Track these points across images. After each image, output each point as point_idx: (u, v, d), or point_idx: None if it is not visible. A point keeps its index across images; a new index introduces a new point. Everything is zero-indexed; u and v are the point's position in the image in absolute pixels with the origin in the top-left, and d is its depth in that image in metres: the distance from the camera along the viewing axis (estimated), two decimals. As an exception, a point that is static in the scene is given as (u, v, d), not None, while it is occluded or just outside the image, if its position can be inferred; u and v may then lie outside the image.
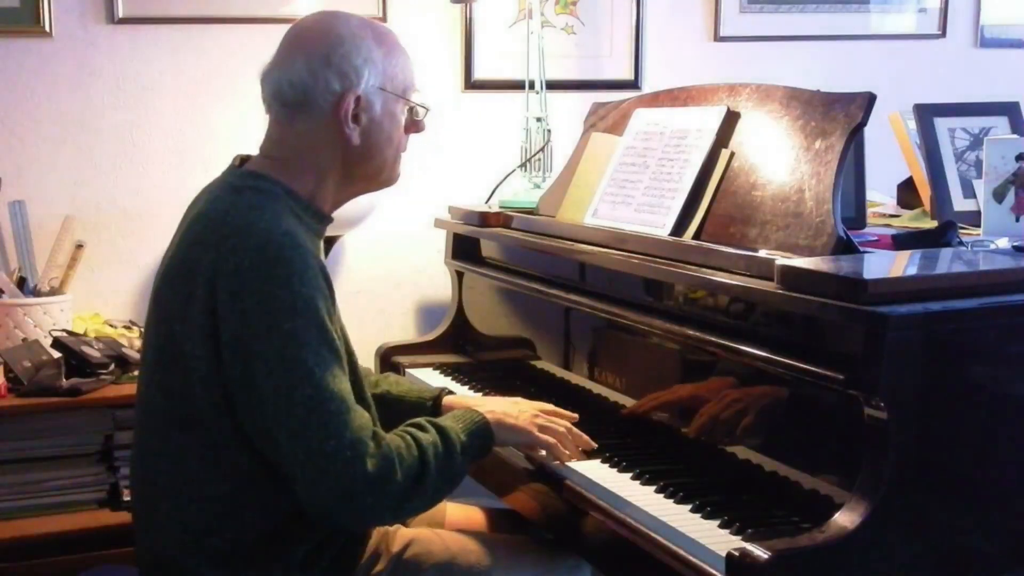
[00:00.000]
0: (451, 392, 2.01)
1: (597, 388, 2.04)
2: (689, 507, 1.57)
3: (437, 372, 2.43)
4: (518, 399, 1.89)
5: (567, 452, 1.79)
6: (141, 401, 1.70)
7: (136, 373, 2.38)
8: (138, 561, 1.73)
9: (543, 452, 1.80)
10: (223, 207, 1.61)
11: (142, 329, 2.54)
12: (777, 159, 1.79)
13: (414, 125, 1.78)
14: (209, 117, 2.72)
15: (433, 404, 1.95)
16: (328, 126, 1.67)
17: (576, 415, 1.87)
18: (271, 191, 1.64)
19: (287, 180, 1.66)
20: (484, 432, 1.72)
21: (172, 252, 1.66)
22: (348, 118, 1.66)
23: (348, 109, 1.66)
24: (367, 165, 1.73)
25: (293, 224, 1.61)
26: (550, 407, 1.87)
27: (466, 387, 2.28)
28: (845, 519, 1.36)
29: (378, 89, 1.69)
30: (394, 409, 1.86)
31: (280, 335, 1.51)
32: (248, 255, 1.53)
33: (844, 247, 1.62)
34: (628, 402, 1.93)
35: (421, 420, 1.69)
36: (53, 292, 2.49)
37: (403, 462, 1.56)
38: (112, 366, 2.38)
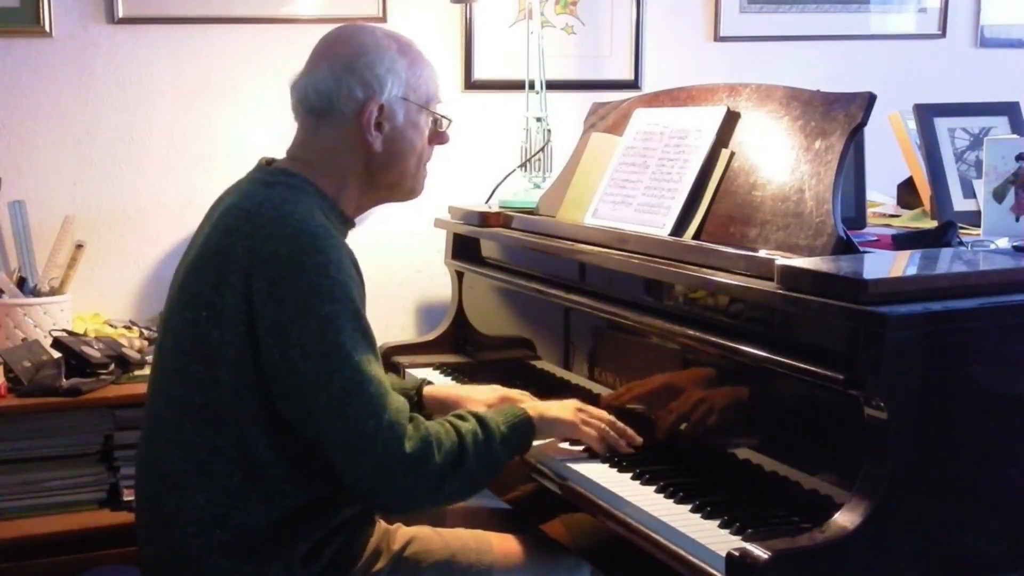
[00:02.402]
0: (431, 383, 2.06)
1: (597, 388, 2.03)
2: (689, 507, 1.57)
3: (437, 372, 2.43)
4: (508, 390, 1.93)
5: (608, 446, 1.79)
6: (154, 390, 1.72)
7: (136, 373, 2.40)
8: (140, 557, 1.74)
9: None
10: (257, 199, 1.64)
11: (143, 327, 2.57)
12: (777, 159, 1.79)
13: (438, 136, 1.82)
14: (209, 117, 2.72)
15: (417, 395, 2.00)
16: (351, 133, 1.71)
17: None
18: (302, 187, 1.68)
19: (314, 180, 1.71)
20: (525, 425, 1.74)
21: (201, 242, 1.68)
22: (371, 125, 1.70)
23: (371, 116, 1.70)
24: (389, 173, 1.76)
25: (322, 218, 1.65)
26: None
27: (466, 387, 2.28)
28: (845, 519, 1.36)
29: (401, 99, 1.72)
30: None
31: (318, 320, 1.55)
32: (285, 244, 1.57)
33: (844, 247, 1.62)
34: (629, 403, 1.93)
35: (461, 411, 1.73)
36: (53, 292, 2.49)
37: (442, 446, 1.60)
38: (112, 366, 2.38)
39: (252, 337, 1.57)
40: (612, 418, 1.84)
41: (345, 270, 1.59)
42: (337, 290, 1.57)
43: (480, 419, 1.69)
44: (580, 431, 1.80)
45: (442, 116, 1.81)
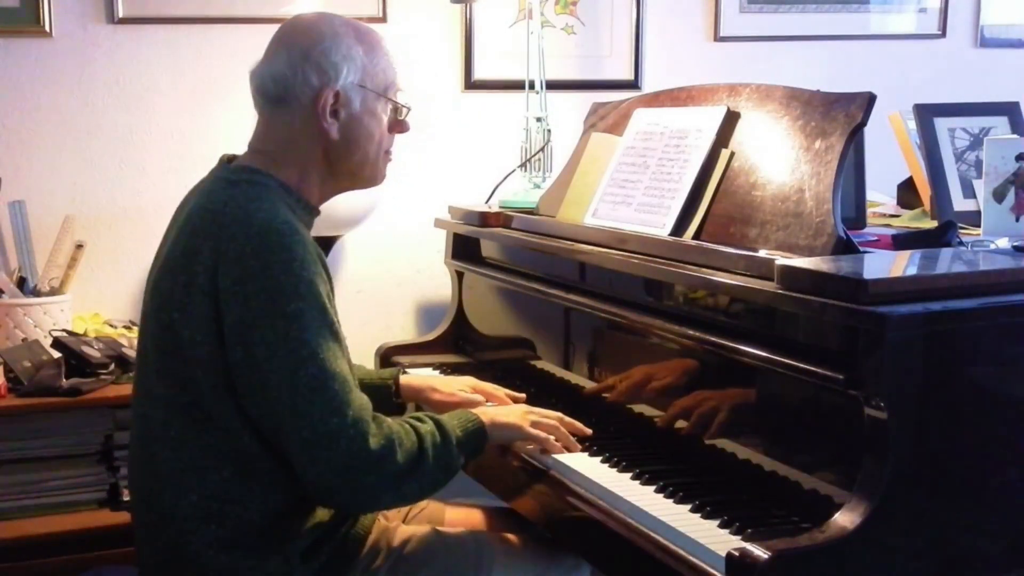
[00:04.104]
0: (407, 372, 2.11)
1: (597, 388, 2.03)
2: (689, 507, 1.57)
3: (437, 372, 2.43)
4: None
5: (559, 445, 1.83)
6: (140, 391, 1.72)
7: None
8: (138, 556, 1.74)
9: (533, 446, 1.85)
10: (221, 199, 1.64)
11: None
12: (777, 159, 1.79)
13: (398, 124, 1.81)
14: (209, 117, 2.72)
15: (394, 384, 2.04)
16: (308, 120, 1.71)
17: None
18: (265, 183, 1.68)
19: (275, 172, 1.70)
20: (479, 431, 1.75)
21: (170, 245, 1.68)
22: (326, 113, 1.69)
23: (326, 104, 1.69)
24: (348, 160, 1.75)
25: (288, 214, 1.64)
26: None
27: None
28: (845, 519, 1.36)
29: (357, 86, 1.72)
30: None
31: (284, 317, 1.55)
32: (250, 242, 1.57)
33: (844, 247, 1.62)
34: (629, 403, 1.93)
35: (419, 413, 1.74)
36: (53, 292, 2.49)
37: (402, 444, 1.60)
38: (112, 366, 2.38)
39: (220, 336, 1.57)
40: (561, 415, 1.87)
41: (310, 266, 1.59)
42: (302, 287, 1.57)
43: (437, 422, 1.70)
44: (528, 433, 1.82)
45: (401, 104, 1.80)
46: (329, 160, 1.74)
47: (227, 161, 1.77)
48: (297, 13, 1.82)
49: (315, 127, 1.70)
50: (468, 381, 2.08)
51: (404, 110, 1.81)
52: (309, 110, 1.69)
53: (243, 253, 1.56)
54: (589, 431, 1.86)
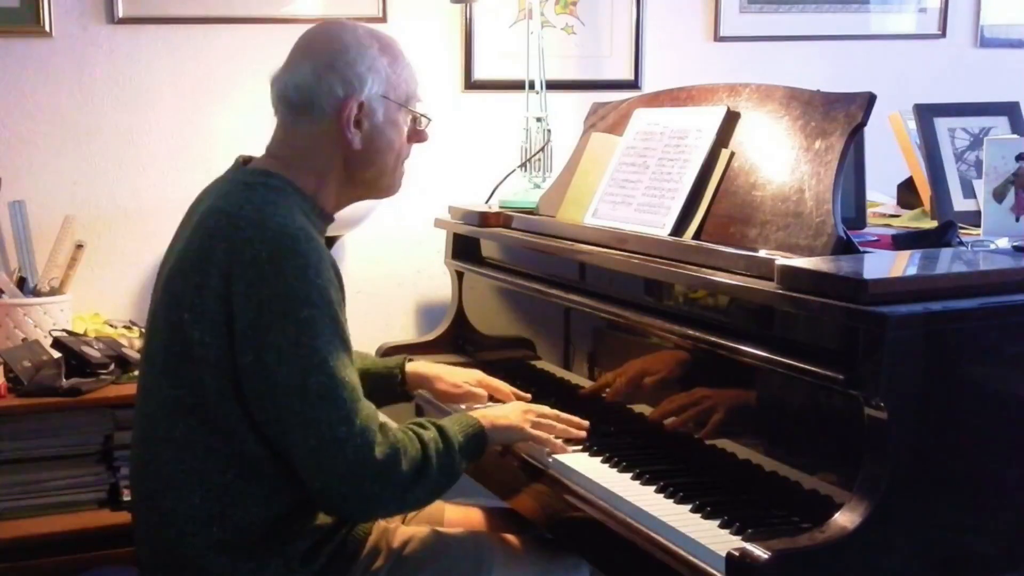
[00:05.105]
0: (412, 359, 2.13)
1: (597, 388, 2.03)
2: (689, 507, 1.57)
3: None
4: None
5: (560, 444, 1.85)
6: (145, 391, 1.72)
7: (136, 373, 2.39)
8: (138, 556, 1.75)
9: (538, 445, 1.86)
10: (237, 201, 1.64)
11: (143, 327, 2.56)
12: (777, 159, 1.79)
13: (417, 135, 1.82)
14: (209, 117, 2.72)
15: (400, 371, 2.06)
16: (330, 129, 1.71)
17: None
18: (282, 188, 1.68)
19: (293, 178, 1.71)
20: (479, 435, 1.76)
21: (183, 245, 1.68)
22: (350, 123, 1.70)
23: (351, 114, 1.70)
24: (368, 170, 1.76)
25: (303, 220, 1.65)
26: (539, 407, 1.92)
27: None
28: (845, 519, 1.36)
29: (381, 97, 1.72)
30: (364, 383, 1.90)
31: (296, 324, 1.55)
32: (265, 247, 1.57)
33: (844, 247, 1.62)
34: (629, 403, 1.93)
35: (422, 420, 1.74)
36: (53, 292, 2.49)
37: (407, 453, 1.61)
38: (112, 366, 2.38)
39: (231, 339, 1.58)
40: (557, 412, 1.88)
41: (324, 273, 1.59)
42: (315, 294, 1.57)
43: (440, 428, 1.71)
44: (529, 434, 1.83)
45: (421, 114, 1.81)
46: (348, 169, 1.74)
47: (243, 163, 1.77)
48: (306, 16, 1.82)
49: (337, 136, 1.71)
50: (476, 375, 2.08)
51: (424, 120, 1.82)
52: (332, 120, 1.70)
53: (258, 257, 1.57)
54: (587, 423, 1.87)
